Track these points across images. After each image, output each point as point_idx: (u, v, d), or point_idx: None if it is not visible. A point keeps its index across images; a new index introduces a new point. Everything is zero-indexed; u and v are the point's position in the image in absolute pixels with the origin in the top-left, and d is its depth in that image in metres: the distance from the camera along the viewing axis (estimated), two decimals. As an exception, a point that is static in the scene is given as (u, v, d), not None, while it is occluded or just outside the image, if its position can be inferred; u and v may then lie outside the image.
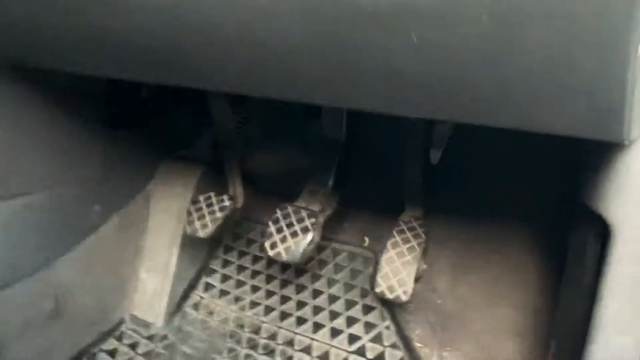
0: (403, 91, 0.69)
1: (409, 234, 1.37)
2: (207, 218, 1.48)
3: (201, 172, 1.71)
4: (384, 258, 1.32)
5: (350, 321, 1.49)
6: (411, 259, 1.31)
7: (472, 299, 1.39)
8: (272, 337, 1.51)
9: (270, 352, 1.47)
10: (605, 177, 0.73)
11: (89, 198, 1.45)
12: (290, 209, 1.37)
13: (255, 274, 1.68)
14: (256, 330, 1.53)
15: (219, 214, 1.48)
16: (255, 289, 1.64)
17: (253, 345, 1.49)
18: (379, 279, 1.30)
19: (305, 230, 1.32)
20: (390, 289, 1.29)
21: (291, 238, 1.32)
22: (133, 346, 1.51)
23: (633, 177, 0.69)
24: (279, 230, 1.34)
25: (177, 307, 1.61)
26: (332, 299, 1.56)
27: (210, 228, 1.46)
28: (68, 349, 1.41)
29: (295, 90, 0.79)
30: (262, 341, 1.50)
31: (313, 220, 1.34)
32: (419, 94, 0.69)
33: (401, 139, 1.44)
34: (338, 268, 1.62)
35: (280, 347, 1.48)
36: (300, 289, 1.61)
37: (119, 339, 1.53)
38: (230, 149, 1.58)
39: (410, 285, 1.28)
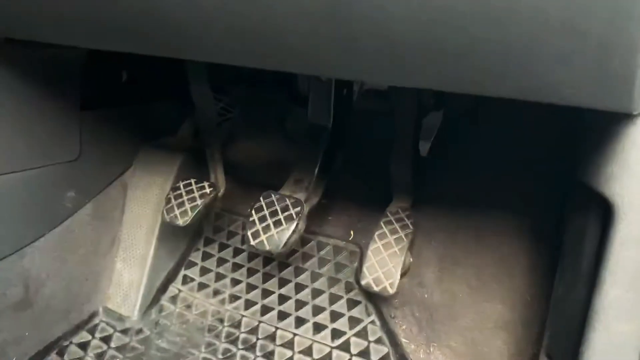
0: (401, 57, 0.65)
1: (396, 225, 1.32)
2: (187, 205, 1.41)
3: (181, 160, 1.65)
4: (371, 249, 1.27)
5: (334, 316, 1.45)
6: (398, 251, 1.27)
7: (459, 292, 1.35)
8: (252, 331, 1.45)
9: (250, 346, 1.41)
10: (608, 154, 0.69)
11: (61, 182, 1.39)
12: (274, 197, 1.32)
13: (236, 267, 1.62)
14: (236, 325, 1.48)
15: (199, 201, 1.42)
16: (235, 282, 1.58)
17: (232, 340, 1.43)
18: (365, 270, 1.25)
19: (289, 219, 1.27)
20: (377, 281, 1.24)
21: (274, 227, 1.26)
22: (106, 340, 1.44)
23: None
24: (262, 219, 1.28)
25: (153, 300, 1.55)
26: (316, 293, 1.51)
27: (190, 216, 1.40)
28: (36, 340, 1.33)
29: (285, 58, 0.74)
30: (242, 335, 1.44)
31: (298, 209, 1.28)
32: (418, 61, 0.64)
33: (389, 129, 1.40)
34: (322, 262, 1.57)
35: (261, 342, 1.42)
36: (282, 282, 1.56)
37: (92, 332, 1.45)
38: (211, 135, 1.52)
39: (397, 278, 1.23)
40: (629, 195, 0.67)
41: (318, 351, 1.38)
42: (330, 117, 1.40)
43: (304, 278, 1.55)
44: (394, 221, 1.34)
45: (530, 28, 0.57)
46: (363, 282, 1.25)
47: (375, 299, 1.44)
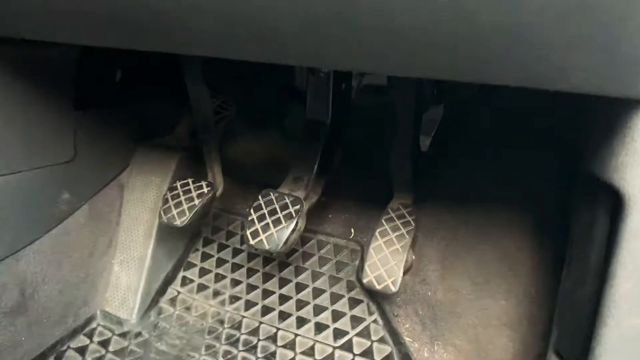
0: (405, 45, 0.62)
1: (397, 222, 1.30)
2: (184, 205, 1.39)
3: (178, 160, 1.62)
4: (372, 247, 1.25)
5: (336, 315, 1.42)
6: (400, 248, 1.24)
7: (462, 289, 1.33)
8: (253, 332, 1.43)
9: (251, 348, 1.39)
10: (617, 143, 0.67)
11: (56, 184, 1.36)
12: (272, 196, 1.29)
13: (235, 267, 1.60)
14: (236, 326, 1.45)
15: (196, 201, 1.40)
16: (235, 282, 1.56)
17: (233, 342, 1.41)
18: (366, 269, 1.23)
19: (288, 217, 1.24)
20: (379, 279, 1.22)
21: (273, 226, 1.24)
22: (104, 344, 1.42)
23: (651, 140, 0.63)
24: (261, 218, 1.26)
25: (152, 302, 1.52)
26: (317, 292, 1.49)
27: (187, 216, 1.37)
28: (33, 345, 1.31)
29: (283, 49, 0.72)
30: (243, 337, 1.42)
31: (297, 207, 1.26)
32: (422, 49, 0.62)
33: (389, 125, 1.37)
34: (323, 261, 1.55)
35: (262, 343, 1.40)
36: (283, 282, 1.53)
37: (89, 336, 1.43)
38: (208, 134, 1.50)
39: (399, 275, 1.21)
40: (639, 184, 0.65)
41: (320, 351, 1.35)
42: (328, 113, 1.38)
43: (304, 277, 1.53)
44: (395, 218, 1.32)
45: (538, 12, 0.55)
46: (365, 281, 1.23)
47: (378, 298, 1.41)
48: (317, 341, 1.38)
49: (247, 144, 1.80)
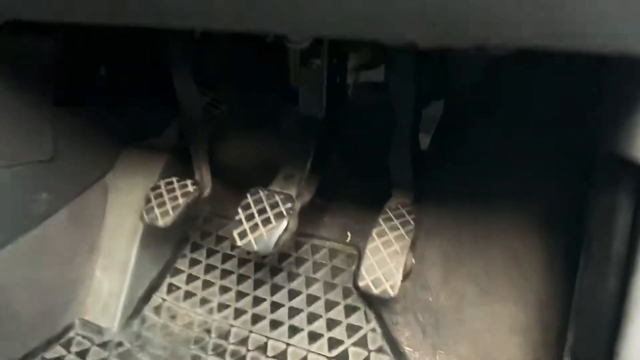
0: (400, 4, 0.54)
1: (396, 221, 1.21)
2: (168, 205, 1.30)
3: (166, 162, 1.55)
4: (369, 248, 1.16)
5: (331, 324, 1.33)
6: (399, 249, 1.15)
7: (467, 294, 1.23)
8: (242, 342, 1.33)
9: (239, 359, 1.29)
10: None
11: (33, 184, 1.28)
12: (262, 194, 1.21)
13: (225, 273, 1.51)
14: (224, 335, 1.36)
15: (180, 200, 1.31)
16: (224, 289, 1.47)
17: (220, 352, 1.32)
18: (362, 271, 1.13)
19: (279, 216, 1.16)
20: (376, 282, 1.12)
21: (263, 226, 1.15)
22: (82, 355, 1.32)
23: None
24: (249, 218, 1.17)
25: (135, 310, 1.43)
26: (311, 299, 1.40)
27: (171, 216, 1.28)
28: (4, 358, 1.21)
29: (257, 14, 0.64)
30: (231, 347, 1.33)
31: (288, 205, 1.18)
32: (425, 8, 0.54)
33: (387, 122, 1.30)
34: (317, 266, 1.46)
35: (251, 354, 1.30)
36: (275, 289, 1.44)
37: (66, 346, 1.33)
38: (196, 131, 1.42)
39: (398, 279, 1.12)
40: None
41: (314, 363, 1.26)
42: (322, 108, 1.30)
43: (298, 284, 1.44)
44: (393, 217, 1.23)
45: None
46: (361, 284, 1.13)
47: (375, 304, 1.32)
48: (310, 351, 1.29)
49: (238, 144, 1.72)
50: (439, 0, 0.53)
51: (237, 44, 1.49)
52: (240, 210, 1.18)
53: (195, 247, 1.58)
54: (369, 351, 1.26)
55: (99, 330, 1.38)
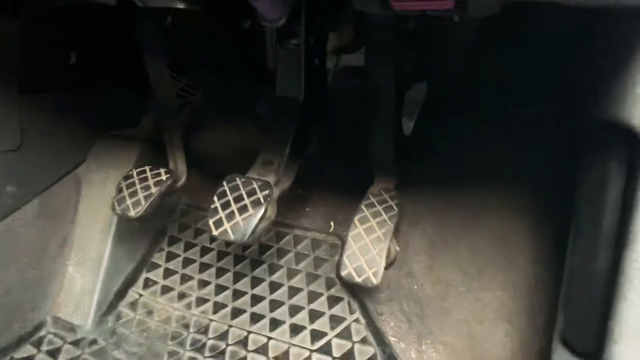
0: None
1: (379, 207, 1.17)
2: (140, 195, 1.24)
3: (140, 153, 1.49)
4: (351, 235, 1.12)
5: (314, 315, 1.29)
6: (382, 235, 1.11)
7: (453, 280, 1.19)
8: (222, 337, 1.28)
9: (218, 354, 1.24)
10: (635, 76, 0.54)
11: (-1, 176, 1.22)
12: (239, 181, 1.15)
13: (204, 267, 1.45)
14: (203, 330, 1.31)
15: (153, 189, 1.25)
16: (203, 283, 1.42)
17: (198, 347, 1.26)
18: (345, 259, 1.09)
19: (256, 204, 1.10)
20: (358, 270, 1.08)
21: (239, 214, 1.09)
22: (53, 353, 1.26)
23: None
24: (225, 206, 1.11)
25: (110, 306, 1.38)
26: (293, 291, 1.35)
27: (143, 206, 1.23)
28: (-31, 357, 1.16)
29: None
30: (210, 342, 1.27)
31: (266, 192, 1.12)
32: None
33: (368, 107, 1.25)
34: (299, 257, 1.41)
35: (231, 348, 1.25)
36: (256, 282, 1.39)
37: (37, 345, 1.27)
38: (170, 118, 1.36)
39: (381, 266, 1.07)
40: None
41: (296, 355, 1.22)
42: (301, 89, 1.24)
43: (279, 276, 1.39)
44: (376, 203, 1.18)
45: None
46: (343, 273, 1.09)
47: (359, 294, 1.28)
48: (292, 344, 1.24)
49: (215, 131, 1.66)
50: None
51: (210, 26, 1.43)
52: (216, 199, 1.13)
53: (172, 241, 1.53)
54: (353, 342, 1.21)
55: (72, 328, 1.32)
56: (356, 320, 1.25)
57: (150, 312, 1.37)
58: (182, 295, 1.40)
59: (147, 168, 1.31)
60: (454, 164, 1.29)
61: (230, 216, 1.10)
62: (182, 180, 1.39)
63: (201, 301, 1.37)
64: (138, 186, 1.26)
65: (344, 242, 1.37)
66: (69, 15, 1.35)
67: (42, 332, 1.31)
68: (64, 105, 1.41)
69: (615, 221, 0.62)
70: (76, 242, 1.41)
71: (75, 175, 1.47)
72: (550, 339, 0.87)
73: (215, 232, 1.09)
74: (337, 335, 1.23)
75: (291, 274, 1.38)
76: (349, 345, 1.21)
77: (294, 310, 1.30)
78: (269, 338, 1.26)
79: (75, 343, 1.29)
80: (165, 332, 1.31)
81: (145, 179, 1.28)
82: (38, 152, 1.34)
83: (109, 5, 0.94)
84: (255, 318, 1.31)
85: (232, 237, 1.07)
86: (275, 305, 1.33)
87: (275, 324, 1.29)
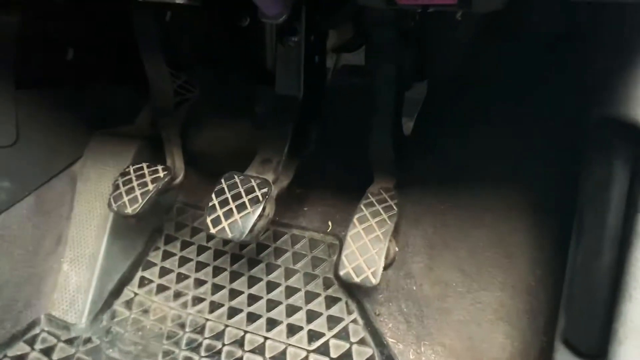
0: None
1: (378, 207, 1.16)
2: (137, 191, 1.23)
3: (137, 149, 1.47)
4: (350, 234, 1.11)
5: (311, 316, 1.27)
6: (381, 235, 1.10)
7: (452, 281, 1.18)
8: (218, 336, 1.27)
9: (214, 354, 1.23)
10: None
11: (-6, 171, 1.21)
12: (237, 179, 1.14)
13: (200, 266, 1.44)
14: (199, 330, 1.29)
15: (150, 187, 1.24)
16: (199, 283, 1.40)
17: (194, 347, 1.25)
18: (343, 259, 1.08)
19: (254, 202, 1.09)
20: (357, 270, 1.07)
21: (237, 212, 1.08)
22: (47, 352, 1.25)
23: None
24: (223, 204, 1.10)
25: (104, 305, 1.36)
26: (290, 291, 1.34)
27: (140, 203, 1.21)
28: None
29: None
30: (206, 342, 1.26)
31: (264, 190, 1.11)
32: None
33: (368, 106, 1.24)
34: (297, 257, 1.40)
35: (227, 348, 1.24)
36: (252, 281, 1.38)
37: (30, 343, 1.26)
38: (167, 115, 1.35)
39: (380, 266, 1.06)
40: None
41: (293, 356, 1.20)
42: (300, 87, 1.23)
43: (276, 275, 1.38)
44: (375, 203, 1.17)
45: None
46: (342, 273, 1.08)
47: (357, 295, 1.27)
48: (289, 345, 1.22)
49: (213, 130, 1.65)
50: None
51: (209, 23, 1.42)
52: (213, 196, 1.12)
53: (169, 239, 1.51)
54: (351, 343, 1.20)
55: (66, 326, 1.30)
56: (354, 321, 1.24)
57: (145, 311, 1.35)
58: (177, 294, 1.38)
59: (144, 165, 1.30)
60: (454, 164, 1.28)
61: (228, 214, 1.09)
62: (180, 178, 1.38)
63: (197, 300, 1.36)
64: (135, 183, 1.25)
65: (341, 242, 1.37)
66: (67, 11, 1.34)
67: (36, 330, 1.29)
68: (61, 101, 1.40)
69: (619, 219, 0.61)
70: (71, 239, 1.40)
71: (71, 172, 1.46)
72: (551, 339, 0.86)
73: (212, 230, 1.08)
74: (335, 336, 1.22)
75: (288, 273, 1.37)
76: (347, 346, 1.20)
77: (291, 310, 1.29)
78: (266, 338, 1.25)
79: (70, 341, 1.27)
80: (160, 331, 1.30)
81: (143, 175, 1.27)
82: (34, 147, 1.33)
83: (108, 0, 0.94)
84: (252, 318, 1.29)
85: (229, 235, 1.06)
86: (272, 305, 1.31)
87: (272, 323, 1.27)
